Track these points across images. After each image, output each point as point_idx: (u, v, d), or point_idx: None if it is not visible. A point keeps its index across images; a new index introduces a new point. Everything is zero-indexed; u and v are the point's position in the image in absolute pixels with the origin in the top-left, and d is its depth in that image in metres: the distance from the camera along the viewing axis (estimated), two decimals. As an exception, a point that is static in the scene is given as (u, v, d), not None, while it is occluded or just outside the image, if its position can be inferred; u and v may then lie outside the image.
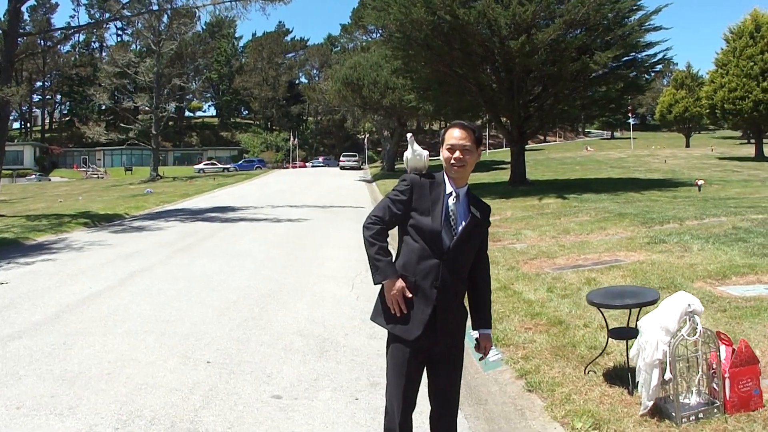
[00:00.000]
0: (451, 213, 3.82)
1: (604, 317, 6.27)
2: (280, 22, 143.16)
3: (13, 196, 47.51)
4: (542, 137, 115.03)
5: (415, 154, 4.09)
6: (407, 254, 3.85)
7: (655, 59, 30.33)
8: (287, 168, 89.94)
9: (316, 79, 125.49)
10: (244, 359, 6.85)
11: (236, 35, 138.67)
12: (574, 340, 6.91)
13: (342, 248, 15.29)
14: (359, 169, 75.93)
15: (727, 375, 4.94)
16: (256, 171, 77.87)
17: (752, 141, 63.71)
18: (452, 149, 3.82)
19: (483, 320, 4.08)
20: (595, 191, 25.27)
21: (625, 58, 29.53)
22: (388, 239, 3.78)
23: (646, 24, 28.53)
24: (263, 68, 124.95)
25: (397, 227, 3.94)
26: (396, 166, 64.01)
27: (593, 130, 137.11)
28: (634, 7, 28.38)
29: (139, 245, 16.24)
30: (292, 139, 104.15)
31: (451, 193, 3.85)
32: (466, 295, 4.04)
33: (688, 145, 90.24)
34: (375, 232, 3.81)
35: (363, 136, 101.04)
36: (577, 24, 26.74)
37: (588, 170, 44.88)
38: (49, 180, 78.70)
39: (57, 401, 5.64)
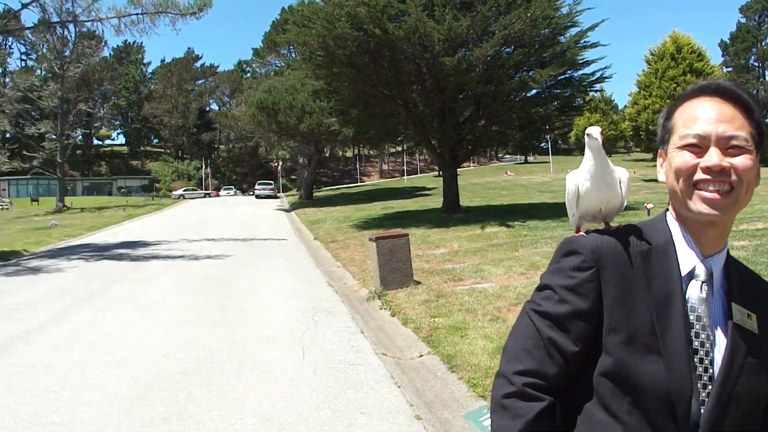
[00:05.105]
0: (696, 326, 1.61)
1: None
2: (189, 48, 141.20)
3: None
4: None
5: (600, 177, 1.80)
6: None
7: (593, 78, 28.90)
8: (212, 196, 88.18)
9: (228, 105, 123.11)
10: None
11: (144, 61, 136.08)
12: None
13: (276, 293, 12.83)
14: (275, 197, 73.67)
15: None
16: (168, 201, 75.06)
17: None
18: (700, 145, 1.60)
19: None
20: (538, 218, 23.67)
21: (561, 77, 28.16)
22: None
23: (582, 41, 27.22)
24: (173, 95, 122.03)
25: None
26: (315, 194, 61.91)
27: (506, 155, 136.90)
28: (569, 24, 27.01)
29: (32, 293, 13.55)
30: (204, 167, 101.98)
31: (692, 274, 1.64)
32: None
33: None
34: (528, 422, 1.62)
35: (276, 164, 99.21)
36: (512, 41, 25.25)
37: (517, 195, 43.32)
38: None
39: None
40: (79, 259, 20.16)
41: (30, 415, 6.09)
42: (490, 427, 4.81)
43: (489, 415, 4.96)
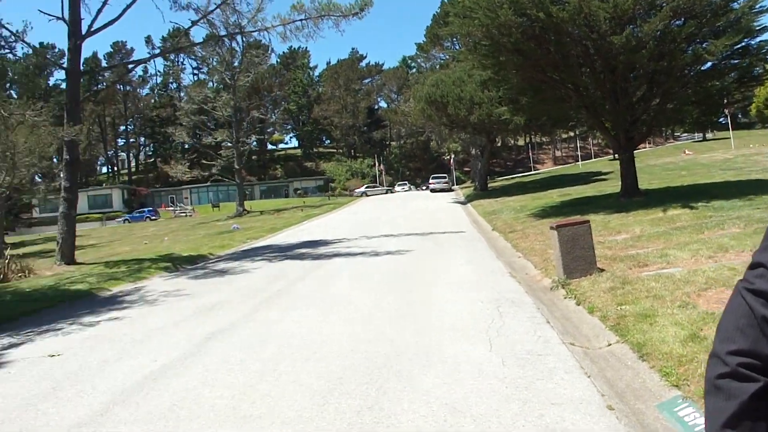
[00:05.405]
0: None
1: None
2: (353, 48, 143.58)
3: (101, 240, 47.53)
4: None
5: None
6: None
7: (773, 44, 27.27)
8: (393, 192, 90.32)
9: (396, 102, 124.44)
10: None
11: (311, 65, 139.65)
12: None
13: (458, 286, 12.84)
14: (450, 191, 73.81)
15: None
16: (344, 200, 76.66)
17: None
18: None
19: None
20: (723, 197, 22.50)
21: (737, 46, 26.75)
22: None
23: (758, 6, 25.76)
24: (341, 96, 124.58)
25: None
26: (489, 185, 61.64)
27: (683, 134, 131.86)
28: (741, -12, 25.64)
29: (220, 294, 14.28)
30: (377, 164, 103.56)
31: None
32: None
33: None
34: (742, 403, 1.54)
35: (449, 157, 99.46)
36: (681, 12, 24.24)
37: (697, 175, 41.36)
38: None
39: None
40: (262, 260, 20.93)
41: (228, 409, 6.42)
42: (685, 418, 4.58)
43: (684, 405, 4.73)
